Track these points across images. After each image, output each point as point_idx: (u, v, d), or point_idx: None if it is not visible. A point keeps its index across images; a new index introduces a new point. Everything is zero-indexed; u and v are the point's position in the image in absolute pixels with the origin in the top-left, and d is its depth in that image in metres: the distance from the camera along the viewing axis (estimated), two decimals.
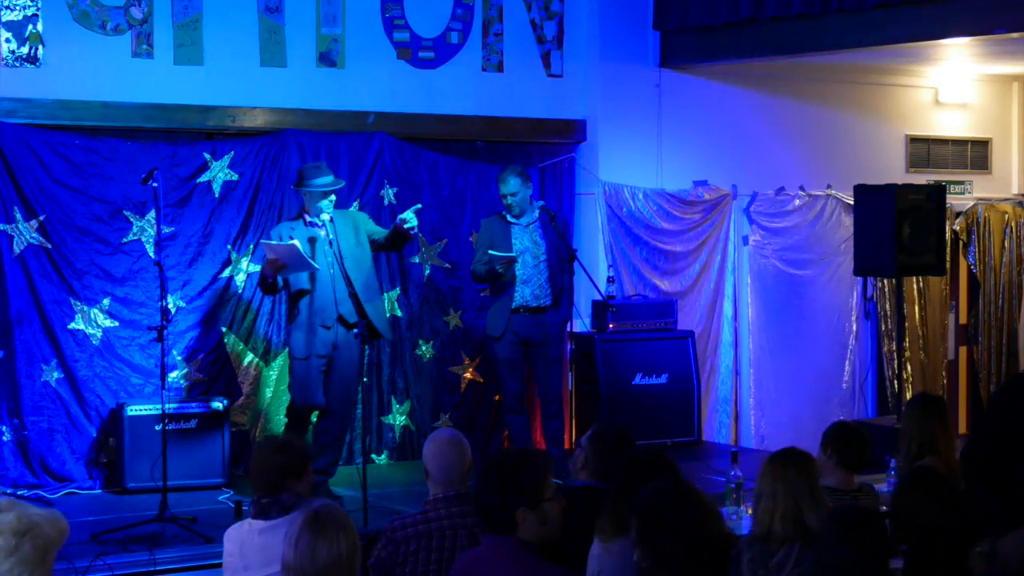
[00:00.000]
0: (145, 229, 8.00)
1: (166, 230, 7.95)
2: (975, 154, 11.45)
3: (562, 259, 8.14)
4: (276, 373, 8.35)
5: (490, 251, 7.96)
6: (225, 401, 8.01)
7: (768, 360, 10.06)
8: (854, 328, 10.44)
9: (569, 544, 4.24)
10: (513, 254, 7.98)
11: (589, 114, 9.50)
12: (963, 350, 11.05)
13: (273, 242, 7.27)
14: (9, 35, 7.69)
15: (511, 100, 9.22)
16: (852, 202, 9.09)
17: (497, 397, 8.85)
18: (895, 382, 10.01)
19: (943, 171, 11.16)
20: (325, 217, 7.39)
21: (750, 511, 5.04)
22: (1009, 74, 11.27)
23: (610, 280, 9.21)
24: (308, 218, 7.44)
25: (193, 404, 7.91)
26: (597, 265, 9.24)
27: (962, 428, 10.63)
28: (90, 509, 7.27)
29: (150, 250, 7.97)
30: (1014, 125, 11.61)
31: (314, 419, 7.59)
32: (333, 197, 7.43)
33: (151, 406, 7.73)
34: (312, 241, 7.36)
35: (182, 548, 6.44)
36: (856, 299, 10.45)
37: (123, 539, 6.52)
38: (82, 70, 7.87)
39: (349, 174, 8.58)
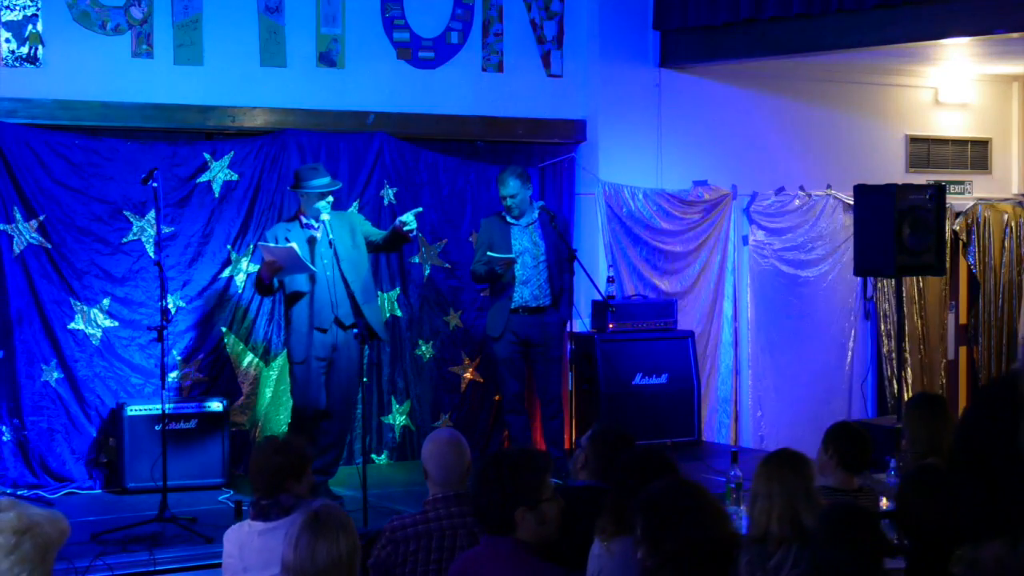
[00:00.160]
0: (145, 229, 8.00)
1: (166, 230, 7.95)
2: (975, 154, 11.45)
3: (562, 259, 8.14)
4: (276, 373, 8.35)
5: (489, 252, 7.96)
6: (225, 401, 8.01)
7: (768, 360, 10.06)
8: (854, 328, 10.45)
9: (569, 544, 4.24)
10: (512, 255, 7.97)
11: (589, 114, 9.50)
12: (963, 350, 11.05)
13: (271, 244, 7.26)
14: (9, 35, 7.69)
15: (511, 100, 9.22)
16: (852, 202, 9.09)
17: (497, 397, 8.85)
18: (895, 382, 10.00)
19: (943, 171, 11.16)
20: (325, 218, 7.38)
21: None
22: (1009, 74, 11.27)
23: (610, 280, 9.21)
24: (304, 219, 7.43)
25: (193, 404, 7.91)
26: (597, 265, 9.24)
27: None
28: (90, 509, 7.27)
29: (150, 250, 7.97)
30: (1014, 125, 11.61)
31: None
32: (331, 198, 7.42)
33: (151, 406, 7.73)
34: (311, 242, 7.36)
35: (182, 548, 6.44)
36: (856, 299, 10.45)
37: (123, 539, 6.52)
38: (82, 70, 7.87)
39: (349, 174, 8.58)
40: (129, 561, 6.26)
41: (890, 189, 8.64)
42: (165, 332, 7.03)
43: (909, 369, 10.46)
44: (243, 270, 8.27)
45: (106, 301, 7.94)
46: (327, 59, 8.59)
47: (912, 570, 4.26)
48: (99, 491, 7.84)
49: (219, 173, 8.23)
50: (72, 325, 7.87)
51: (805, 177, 10.20)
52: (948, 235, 9.56)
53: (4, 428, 7.72)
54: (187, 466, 7.74)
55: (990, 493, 4.19)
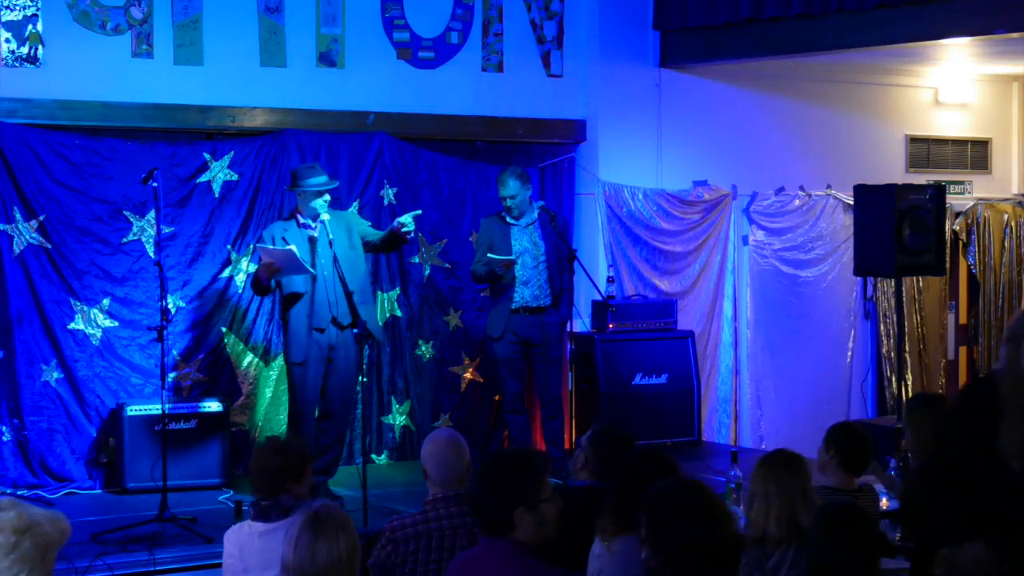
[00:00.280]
0: (145, 229, 8.00)
1: (166, 230, 7.95)
2: (975, 154, 11.45)
3: (562, 259, 8.14)
4: (276, 373, 8.34)
5: (489, 254, 7.95)
6: (225, 401, 8.01)
7: (768, 360, 10.06)
8: (854, 328, 10.45)
9: (569, 544, 4.23)
10: (512, 257, 7.97)
11: (589, 114, 9.50)
12: (963, 350, 11.05)
13: (269, 246, 7.26)
14: (9, 35, 7.69)
15: (511, 100, 9.22)
16: (852, 202, 9.09)
17: (497, 397, 8.85)
18: (895, 382, 10.00)
19: (943, 171, 11.16)
20: (325, 218, 7.38)
21: None
22: (1009, 74, 11.27)
23: (610, 280, 9.21)
24: (301, 219, 7.43)
25: (193, 404, 7.90)
26: (597, 265, 9.24)
27: None
28: (90, 509, 7.27)
29: (150, 250, 7.97)
30: (1014, 125, 11.62)
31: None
32: (328, 197, 7.42)
33: (151, 406, 7.73)
34: (312, 241, 7.35)
35: (182, 548, 6.44)
36: (856, 299, 10.45)
37: (123, 539, 6.52)
38: (82, 70, 7.87)
39: (349, 174, 8.58)
40: (129, 561, 6.26)
41: (890, 189, 8.64)
42: (165, 332, 7.03)
43: (909, 369, 10.46)
44: (243, 270, 8.27)
45: (106, 301, 7.94)
46: (327, 59, 8.59)
47: (916, 570, 4.25)
48: (99, 491, 7.84)
49: (219, 173, 8.23)
50: (72, 325, 7.87)
51: (805, 177, 10.20)
52: (948, 235, 9.56)
53: (4, 428, 7.72)
54: (187, 466, 7.74)
55: (970, 495, 4.18)
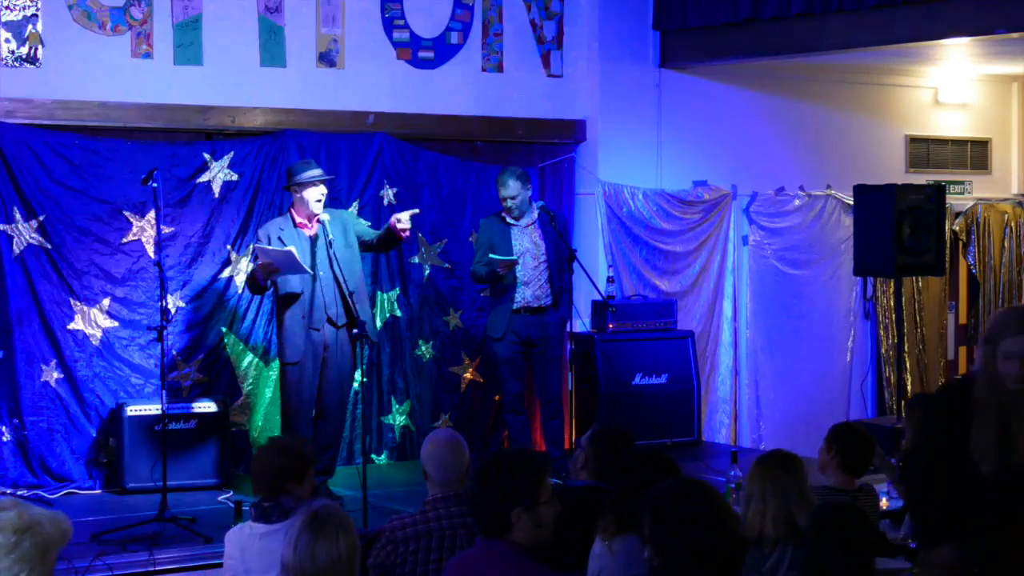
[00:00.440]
0: (145, 229, 7.99)
1: (166, 230, 7.94)
2: (975, 154, 11.45)
3: (562, 259, 8.14)
4: (275, 373, 8.32)
5: (490, 254, 7.95)
6: (225, 402, 8.01)
7: (768, 360, 10.06)
8: (854, 328, 10.45)
9: (569, 544, 4.23)
10: (514, 257, 7.97)
11: (589, 114, 9.50)
12: (963, 350, 11.05)
13: (267, 246, 7.26)
14: (9, 35, 7.69)
15: (511, 100, 9.22)
16: (852, 202, 9.09)
17: (497, 397, 8.84)
18: (895, 382, 10.01)
19: (943, 171, 11.16)
20: (324, 218, 7.38)
21: None
22: (1009, 74, 11.27)
23: (610, 280, 9.21)
24: (297, 219, 7.43)
25: (193, 404, 7.90)
26: (597, 265, 9.24)
27: None
28: (90, 509, 7.26)
29: (150, 250, 7.97)
30: (1014, 125, 11.62)
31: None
32: (324, 190, 7.42)
33: (151, 406, 7.73)
34: (312, 240, 7.35)
35: (182, 548, 6.43)
36: (856, 299, 10.45)
37: (123, 539, 6.52)
38: (82, 70, 7.87)
39: (349, 174, 8.58)
40: (129, 561, 6.26)
41: (890, 189, 8.64)
42: (165, 332, 7.03)
43: (909, 369, 10.46)
44: (243, 270, 8.26)
45: (106, 301, 7.94)
46: (327, 59, 8.59)
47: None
48: (99, 491, 7.83)
49: (219, 173, 8.22)
50: (72, 325, 7.87)
51: (805, 177, 10.21)
52: (948, 235, 9.56)
53: (4, 428, 7.72)
54: (187, 466, 7.74)
55: (943, 498, 4.18)
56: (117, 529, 6.64)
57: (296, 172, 7.42)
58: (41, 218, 7.76)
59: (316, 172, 7.44)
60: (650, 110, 9.65)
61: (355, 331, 7.26)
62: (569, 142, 9.50)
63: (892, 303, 10.13)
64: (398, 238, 7.49)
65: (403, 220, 7.35)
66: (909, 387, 10.39)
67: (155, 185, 7.06)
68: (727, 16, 9.06)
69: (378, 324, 8.71)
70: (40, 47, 7.77)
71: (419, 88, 8.89)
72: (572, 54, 9.44)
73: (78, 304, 7.87)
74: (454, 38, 9.03)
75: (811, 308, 10.24)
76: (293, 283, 7.32)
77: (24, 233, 7.74)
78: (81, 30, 7.87)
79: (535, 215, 8.14)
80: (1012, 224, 10.90)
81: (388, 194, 8.71)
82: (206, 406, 7.91)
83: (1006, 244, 10.87)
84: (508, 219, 8.09)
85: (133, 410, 7.75)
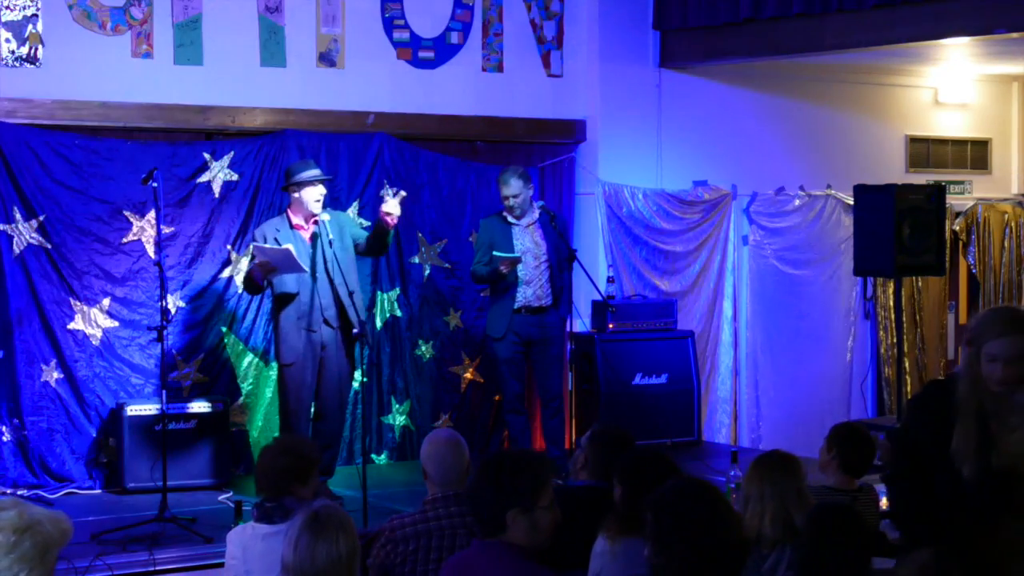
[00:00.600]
0: (145, 229, 7.99)
1: (166, 230, 7.94)
2: (975, 154, 11.46)
3: (562, 259, 8.14)
4: (275, 373, 8.33)
5: (494, 252, 7.95)
6: (225, 401, 8.01)
7: (768, 360, 10.06)
8: (854, 328, 10.44)
9: (569, 544, 4.23)
10: (517, 255, 7.98)
11: (589, 114, 9.50)
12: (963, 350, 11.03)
13: (266, 246, 7.26)
14: (9, 35, 7.69)
15: (511, 100, 9.22)
16: (852, 202, 9.09)
17: (497, 397, 8.84)
18: (895, 382, 10.00)
19: (943, 171, 11.16)
20: (325, 217, 7.38)
21: None
22: (1009, 74, 11.28)
23: (610, 280, 9.21)
24: (294, 219, 7.42)
25: (193, 404, 7.90)
26: (597, 265, 9.24)
27: None
28: (90, 509, 7.26)
29: (150, 250, 7.97)
30: (1014, 125, 11.62)
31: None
32: (323, 190, 7.41)
33: (151, 406, 7.73)
34: (314, 238, 7.35)
35: (182, 548, 6.43)
36: (856, 299, 10.45)
37: (123, 539, 6.52)
38: (82, 70, 7.87)
39: (349, 174, 8.58)
40: (129, 561, 6.26)
41: (890, 189, 8.64)
42: (165, 332, 7.03)
43: (909, 369, 10.45)
44: (243, 270, 8.26)
45: (106, 301, 7.94)
46: (327, 59, 8.59)
47: None
48: (99, 491, 7.83)
49: (219, 173, 8.22)
50: (72, 325, 7.87)
51: (805, 177, 10.21)
52: (948, 235, 9.56)
53: (4, 428, 7.72)
54: (187, 466, 7.74)
55: (924, 501, 4.18)
56: (117, 529, 6.64)
57: (295, 172, 7.42)
58: (41, 218, 7.76)
59: (315, 172, 7.44)
60: (650, 110, 9.65)
61: (355, 331, 7.27)
62: (569, 142, 9.50)
63: (892, 303, 10.13)
64: (386, 231, 7.44)
65: (390, 204, 7.32)
66: (909, 387, 10.38)
67: (155, 185, 7.06)
68: (727, 16, 9.06)
69: (378, 324, 8.72)
70: (40, 47, 7.77)
71: (419, 88, 8.89)
72: (572, 54, 9.45)
73: (78, 304, 7.87)
74: (454, 38, 9.04)
75: (811, 308, 10.24)
76: (289, 284, 7.31)
77: (24, 233, 7.74)
78: (81, 30, 7.87)
79: (536, 215, 8.14)
80: (1012, 224, 10.90)
81: (388, 194, 8.70)
82: (206, 406, 7.91)
83: (1006, 244, 10.87)
84: (509, 218, 8.09)
85: (133, 410, 7.75)
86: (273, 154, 8.37)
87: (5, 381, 7.74)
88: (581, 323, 8.95)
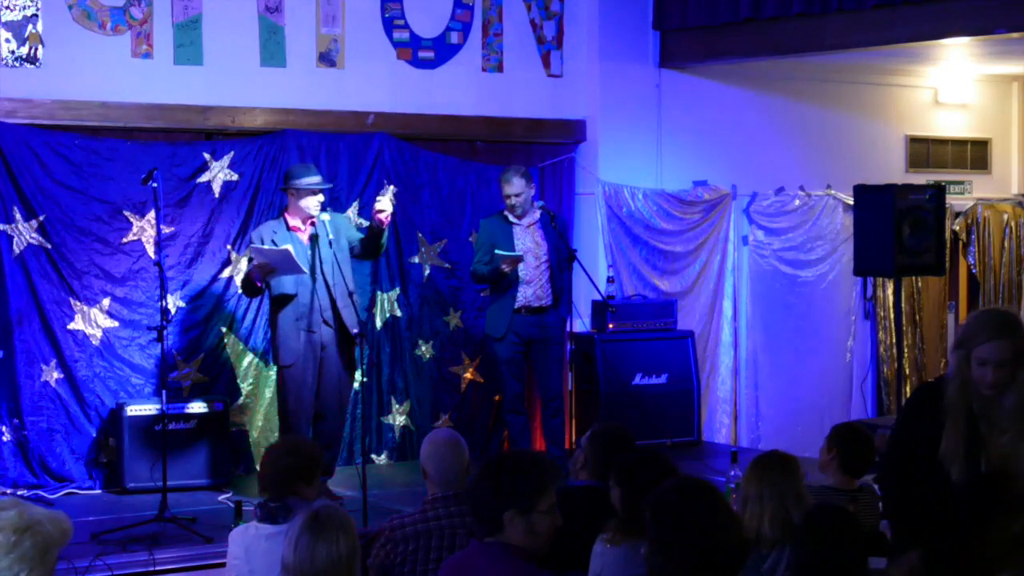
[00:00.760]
0: (145, 229, 7.99)
1: (166, 230, 7.94)
2: (975, 154, 11.45)
3: (562, 259, 8.15)
4: (275, 374, 8.33)
5: (496, 251, 7.95)
6: (225, 401, 8.01)
7: (768, 360, 10.06)
8: (853, 328, 10.44)
9: (569, 544, 4.22)
10: (519, 253, 7.98)
11: (589, 114, 9.50)
12: None
13: (264, 247, 7.25)
14: (9, 35, 7.69)
15: (511, 100, 9.22)
16: (852, 202, 9.09)
17: (497, 397, 8.84)
18: (894, 382, 10.00)
19: (943, 171, 11.16)
20: (325, 218, 7.38)
21: None
22: (1009, 74, 11.28)
23: (610, 280, 9.21)
24: (291, 221, 7.42)
25: (193, 404, 7.90)
26: (597, 265, 9.24)
27: None
28: (90, 509, 7.26)
29: (150, 250, 7.97)
30: (1014, 125, 11.62)
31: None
32: (322, 198, 7.41)
33: (151, 406, 7.74)
34: (314, 239, 7.35)
35: (182, 548, 6.43)
36: (856, 299, 10.45)
37: (123, 539, 6.52)
38: (82, 70, 7.87)
39: (349, 174, 8.58)
40: (129, 561, 6.26)
41: (890, 189, 8.63)
42: (165, 332, 7.03)
43: (908, 369, 10.45)
44: (243, 270, 8.26)
45: (106, 301, 7.94)
46: (327, 59, 8.59)
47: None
48: (99, 491, 7.83)
49: (219, 173, 8.22)
50: (72, 325, 7.87)
51: (805, 177, 10.20)
52: (948, 235, 9.56)
53: (4, 428, 7.72)
54: (187, 466, 7.74)
55: (913, 503, 4.18)
56: (117, 529, 6.64)
57: (295, 176, 7.40)
58: (41, 218, 7.76)
59: (315, 179, 7.41)
60: (650, 110, 9.65)
61: (355, 331, 7.27)
62: (569, 142, 9.50)
63: (892, 303, 10.13)
64: (381, 230, 7.43)
65: (382, 202, 7.32)
66: (908, 387, 10.38)
67: (155, 185, 7.06)
68: (727, 16, 9.06)
69: (378, 324, 8.72)
70: (40, 47, 7.77)
71: (419, 88, 8.89)
72: (572, 54, 9.45)
73: (78, 304, 7.87)
74: (454, 38, 9.04)
75: (811, 308, 10.24)
76: (287, 284, 7.31)
77: (24, 233, 7.74)
78: (81, 30, 7.87)
79: (537, 215, 8.14)
80: (1012, 224, 10.90)
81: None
82: (206, 406, 7.91)
83: (1006, 244, 10.87)
84: (511, 217, 8.09)
85: (133, 410, 7.75)
86: (273, 154, 8.37)
87: (5, 381, 7.74)
88: (581, 323, 8.95)
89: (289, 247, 7.16)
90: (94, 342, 7.91)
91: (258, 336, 8.33)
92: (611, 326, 8.98)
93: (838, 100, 10.68)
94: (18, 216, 7.72)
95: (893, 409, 9.78)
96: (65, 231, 7.82)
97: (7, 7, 7.66)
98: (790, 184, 10.11)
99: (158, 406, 7.44)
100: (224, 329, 8.26)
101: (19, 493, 7.39)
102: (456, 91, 9.02)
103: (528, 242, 8.08)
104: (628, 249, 9.49)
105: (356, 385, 7.92)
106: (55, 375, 7.84)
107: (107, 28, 7.94)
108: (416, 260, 8.86)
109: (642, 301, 9.36)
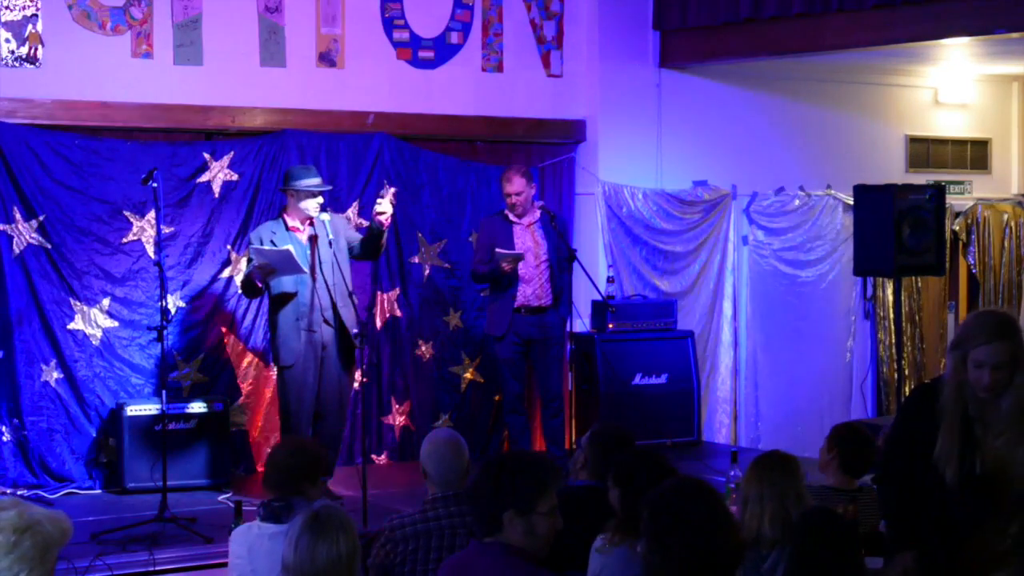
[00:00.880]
0: (145, 229, 7.99)
1: (166, 230, 7.94)
2: (975, 154, 11.46)
3: (561, 259, 8.15)
4: (276, 374, 8.34)
5: (497, 249, 7.96)
6: (225, 402, 8.01)
7: (768, 360, 10.06)
8: (853, 328, 10.44)
9: (569, 544, 4.22)
10: (519, 252, 7.98)
11: (589, 114, 9.50)
12: None
13: (265, 247, 7.25)
14: (9, 35, 7.69)
15: (511, 100, 9.22)
16: (852, 202, 9.09)
17: (497, 397, 8.85)
18: (894, 382, 10.00)
19: (943, 171, 11.16)
20: (325, 218, 7.38)
21: None
22: (1009, 74, 11.28)
23: (610, 280, 9.22)
24: (290, 222, 7.42)
25: (193, 404, 7.90)
26: (597, 265, 9.24)
27: None
28: (90, 509, 7.26)
29: (150, 250, 7.97)
30: (1014, 125, 11.62)
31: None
32: (321, 200, 7.41)
33: (151, 406, 7.74)
34: (313, 239, 7.35)
35: (182, 548, 6.43)
36: (856, 299, 10.44)
37: (123, 539, 6.52)
38: (82, 70, 7.87)
39: (349, 174, 8.58)
40: (129, 561, 6.26)
41: (890, 189, 8.63)
42: (165, 332, 7.03)
43: (908, 369, 10.45)
44: (243, 271, 8.26)
45: (106, 301, 7.94)
46: (327, 59, 8.59)
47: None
48: (99, 491, 7.84)
49: (219, 173, 8.22)
50: (72, 325, 7.87)
51: (805, 177, 10.20)
52: (948, 235, 9.55)
53: (4, 428, 7.72)
54: (187, 466, 7.74)
55: (908, 505, 4.17)
56: (117, 529, 6.64)
57: (294, 177, 7.40)
58: (41, 218, 7.76)
59: (315, 181, 7.41)
60: (650, 110, 9.66)
61: (354, 331, 7.27)
62: (569, 142, 9.50)
63: (892, 303, 10.13)
64: (380, 232, 7.44)
65: (382, 204, 7.32)
66: (908, 387, 10.38)
67: (155, 185, 7.06)
68: (727, 16, 9.06)
69: (378, 324, 8.72)
70: (40, 47, 7.78)
71: (419, 88, 8.90)
72: (572, 54, 9.45)
73: (78, 304, 7.87)
74: (454, 38, 9.04)
75: (811, 308, 10.23)
76: (287, 284, 7.31)
77: (24, 233, 7.74)
78: (81, 30, 7.87)
79: (537, 215, 8.15)
80: (1012, 224, 10.90)
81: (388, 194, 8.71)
82: (206, 406, 7.91)
83: (1006, 244, 10.87)
84: (511, 217, 8.09)
85: (133, 410, 7.75)
86: (273, 154, 8.37)
87: (5, 381, 7.74)
88: (581, 323, 8.95)
89: (290, 247, 7.16)
90: (94, 342, 7.92)
91: (258, 336, 8.34)
92: (611, 326, 8.98)
93: (838, 100, 10.68)
94: (18, 216, 7.72)
95: (893, 409, 9.77)
96: (65, 231, 7.82)
97: (7, 7, 7.67)
98: (790, 184, 10.11)
99: (158, 406, 7.44)
100: (224, 329, 8.26)
101: (19, 493, 7.38)
102: (456, 91, 9.02)
103: (528, 241, 8.08)
104: (628, 249, 9.49)
105: (356, 385, 7.92)
106: (55, 375, 7.84)
107: (107, 28, 7.94)
108: (416, 260, 8.86)
109: (642, 301, 9.36)
